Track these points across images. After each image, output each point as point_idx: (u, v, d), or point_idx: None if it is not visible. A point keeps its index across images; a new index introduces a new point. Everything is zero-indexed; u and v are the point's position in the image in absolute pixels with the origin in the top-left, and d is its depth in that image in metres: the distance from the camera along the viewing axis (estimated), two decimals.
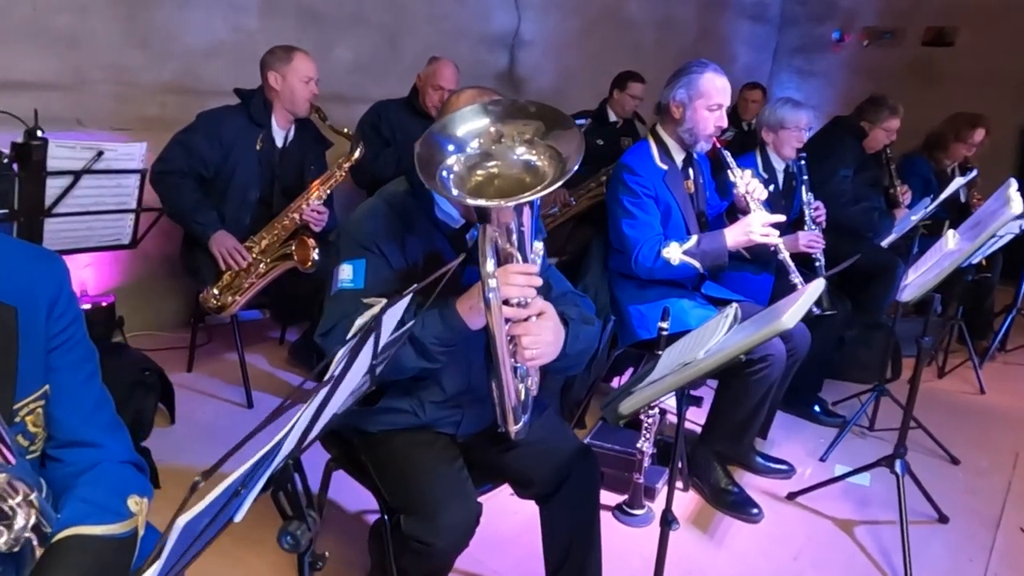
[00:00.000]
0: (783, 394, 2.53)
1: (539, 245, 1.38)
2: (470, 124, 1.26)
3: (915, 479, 2.26)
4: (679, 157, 2.37)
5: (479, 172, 1.28)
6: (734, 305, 1.35)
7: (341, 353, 0.70)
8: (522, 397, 1.43)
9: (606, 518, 2.24)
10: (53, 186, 1.46)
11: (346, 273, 1.40)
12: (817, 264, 2.80)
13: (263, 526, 2.06)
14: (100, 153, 1.50)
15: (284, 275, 2.63)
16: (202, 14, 3.48)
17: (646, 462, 2.22)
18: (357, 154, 2.67)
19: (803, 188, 2.86)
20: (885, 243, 2.64)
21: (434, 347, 1.30)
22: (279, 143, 2.73)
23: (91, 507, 0.92)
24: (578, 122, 3.22)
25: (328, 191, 2.65)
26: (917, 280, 1.84)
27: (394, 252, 1.42)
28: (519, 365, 1.31)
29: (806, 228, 2.84)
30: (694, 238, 2.26)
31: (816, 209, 2.86)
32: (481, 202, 1.21)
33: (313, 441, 0.88)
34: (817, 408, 3.00)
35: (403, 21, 4.24)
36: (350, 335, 0.72)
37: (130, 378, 2.45)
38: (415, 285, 0.85)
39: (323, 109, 2.74)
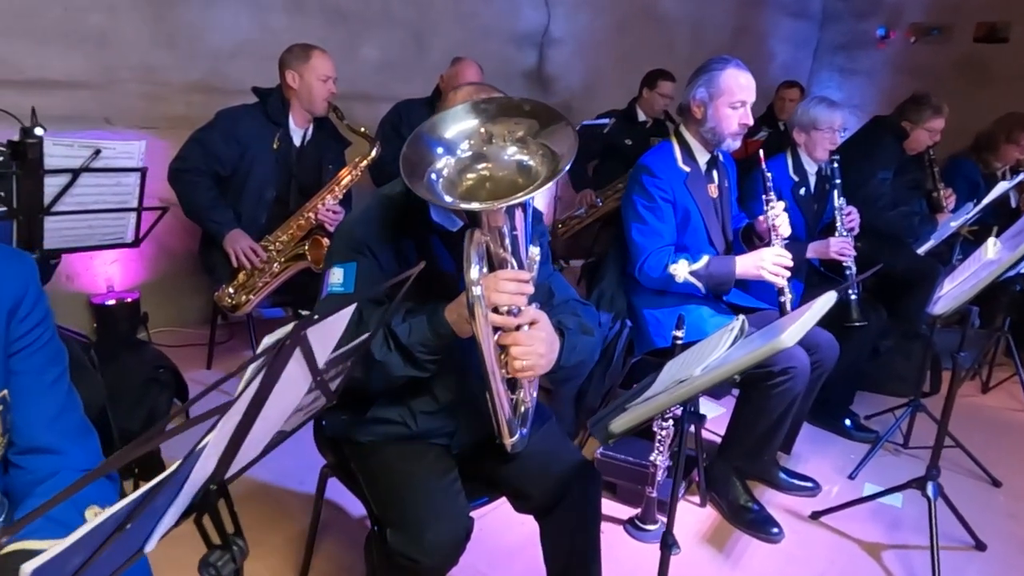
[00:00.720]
0: (809, 407, 2.41)
1: (535, 250, 1.32)
2: (460, 125, 1.21)
3: (949, 503, 2.12)
4: (703, 159, 2.28)
5: (470, 175, 1.23)
6: (740, 318, 1.26)
7: (249, 373, 0.65)
8: (521, 409, 1.37)
9: (617, 532, 2.17)
10: (52, 184, 1.45)
11: (336, 277, 1.35)
12: (848, 272, 2.67)
13: (260, 527, 2.08)
14: (98, 151, 1.49)
15: (300, 274, 2.62)
16: (229, 14, 3.50)
17: (659, 475, 2.13)
18: (374, 153, 2.64)
19: (835, 192, 2.72)
20: (922, 250, 2.49)
21: (422, 355, 1.25)
22: (297, 142, 2.72)
23: (42, 520, 0.89)
24: (601, 121, 3.15)
25: (344, 190, 2.63)
26: (952, 291, 1.72)
27: (387, 256, 1.37)
28: (510, 376, 1.25)
29: (837, 234, 2.71)
30: (705, 259, 2.16)
31: (848, 215, 2.72)
32: (464, 205, 1.15)
33: (251, 465, 0.84)
34: (848, 422, 2.86)
35: (430, 19, 4.21)
36: (259, 350, 0.67)
37: (144, 375, 2.46)
38: (354, 305, 0.79)
39: (348, 108, 2.73)
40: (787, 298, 2.19)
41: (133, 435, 2.38)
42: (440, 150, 1.22)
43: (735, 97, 2.15)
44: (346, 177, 2.63)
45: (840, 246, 2.66)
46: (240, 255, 2.54)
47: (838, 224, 2.71)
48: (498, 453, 1.43)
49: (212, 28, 3.46)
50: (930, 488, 2.00)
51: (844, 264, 2.68)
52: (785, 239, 2.23)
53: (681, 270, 2.14)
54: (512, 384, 1.28)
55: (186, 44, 3.40)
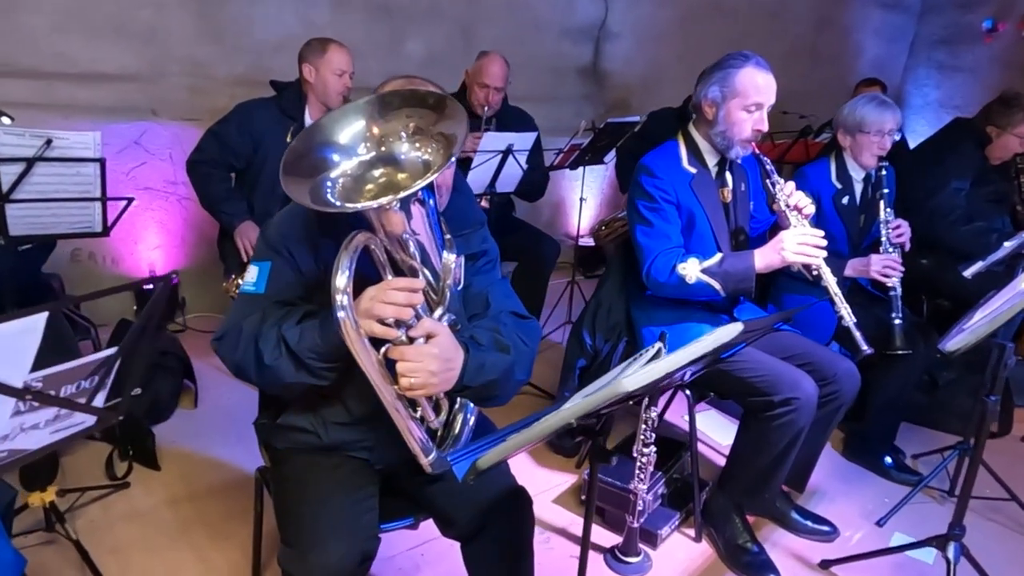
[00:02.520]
0: (825, 442, 2.16)
1: (451, 257, 1.21)
2: (349, 127, 1.12)
3: (977, 566, 1.83)
4: (712, 161, 2.08)
5: (369, 185, 1.14)
6: (657, 345, 1.09)
7: None
8: (435, 427, 1.27)
9: (597, 561, 2.03)
10: (8, 172, 1.50)
11: (251, 275, 1.31)
12: (892, 294, 2.37)
13: (233, 520, 2.08)
14: (49, 141, 1.52)
15: None
16: (274, 8, 3.57)
17: (641, 504, 1.96)
18: None
19: (882, 203, 2.42)
20: (969, 273, 2.16)
21: (312, 361, 1.17)
22: None
23: None
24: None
25: None
26: (973, 325, 1.46)
27: (304, 256, 1.31)
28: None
29: (881, 250, 2.42)
30: (718, 255, 1.96)
31: (896, 228, 2.42)
32: (350, 206, 1.06)
33: None
34: (889, 460, 2.55)
35: (478, 12, 4.14)
36: None
37: (150, 360, 2.54)
38: (43, 315, 0.72)
39: None
40: (830, 283, 1.91)
41: (136, 420, 2.46)
42: (336, 156, 1.13)
43: (750, 99, 1.94)
44: None
45: (883, 264, 2.37)
46: (249, 247, 2.56)
47: (883, 239, 2.42)
48: (424, 472, 1.33)
49: (257, 23, 3.54)
50: (951, 549, 1.74)
51: (888, 285, 2.38)
52: (810, 216, 1.95)
53: (691, 269, 1.94)
54: (412, 401, 1.19)
55: (231, 38, 3.49)
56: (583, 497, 2.22)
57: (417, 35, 4.00)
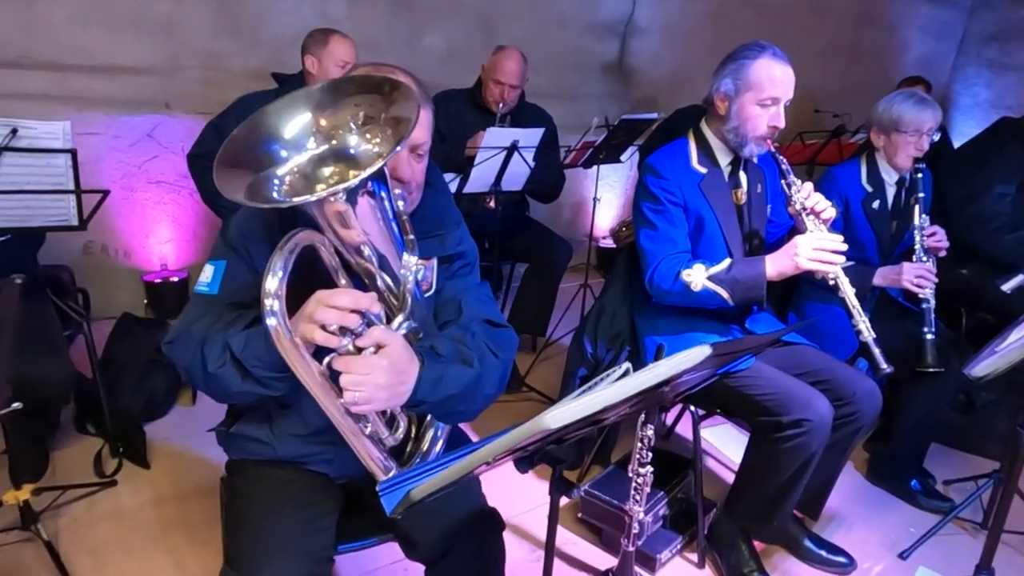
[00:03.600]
0: (842, 466, 1.98)
1: (412, 259, 1.10)
2: (294, 120, 1.02)
3: None
4: (724, 160, 1.93)
5: (319, 179, 1.05)
6: (624, 366, 0.97)
7: None
8: (390, 444, 1.17)
9: None
10: None
11: (205, 275, 1.22)
12: (925, 307, 2.19)
13: (215, 523, 2.01)
14: (15, 131, 1.48)
15: None
16: (291, 2, 3.53)
17: (637, 526, 1.83)
18: None
19: (917, 208, 2.24)
20: (1008, 287, 1.97)
21: (259, 371, 1.08)
22: None
23: None
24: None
25: None
26: (1006, 347, 1.29)
27: (263, 256, 1.20)
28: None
29: (915, 259, 2.23)
30: (726, 261, 1.82)
31: (932, 236, 2.24)
32: (293, 201, 0.96)
33: None
34: (917, 485, 2.36)
35: (500, 7, 4.03)
36: None
37: (146, 356, 2.51)
38: None
39: None
40: (848, 293, 1.73)
41: (131, 416, 2.42)
42: (284, 152, 1.04)
43: (765, 93, 1.79)
44: None
45: (916, 273, 2.20)
46: None
47: (916, 246, 2.24)
48: None
49: (274, 17, 3.50)
50: None
51: (920, 296, 2.20)
52: (827, 221, 1.78)
53: (697, 275, 1.80)
54: (358, 415, 1.09)
55: (248, 32, 3.46)
56: (579, 515, 2.10)
57: (436, 30, 3.92)
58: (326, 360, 1.02)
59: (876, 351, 1.65)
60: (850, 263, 2.33)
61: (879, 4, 5.05)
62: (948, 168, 2.83)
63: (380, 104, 1.01)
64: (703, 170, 1.91)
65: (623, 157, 3.10)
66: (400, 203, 1.20)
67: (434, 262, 1.33)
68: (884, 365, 1.63)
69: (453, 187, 2.45)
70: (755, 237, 1.98)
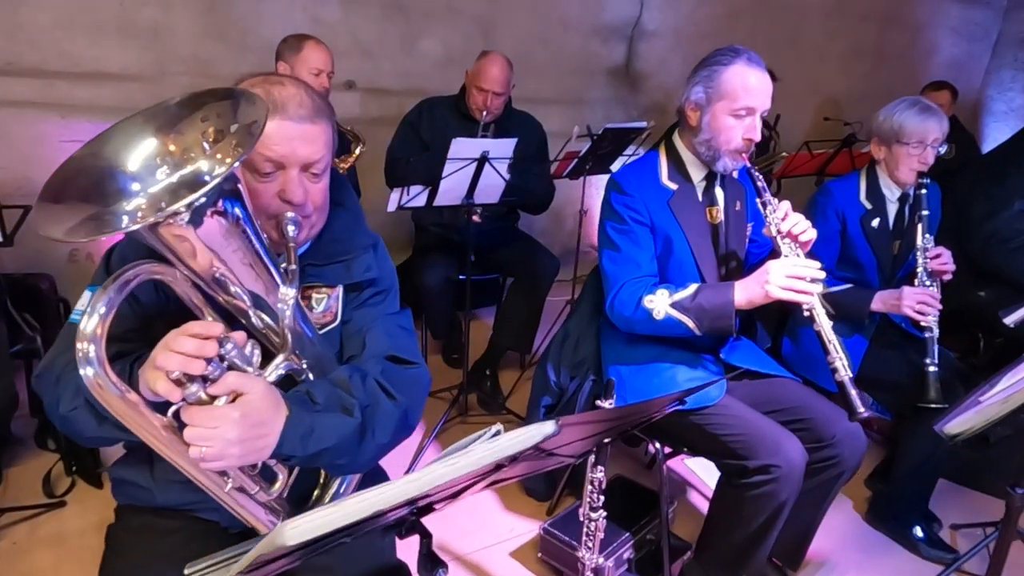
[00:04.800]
0: (823, 513, 1.80)
1: (289, 292, 0.98)
2: (137, 147, 0.91)
3: None
4: (698, 175, 1.77)
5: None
6: (495, 428, 0.82)
7: None
8: (264, 500, 1.05)
9: None
10: None
11: (81, 302, 1.11)
12: (928, 336, 1.99)
13: None
14: None
15: None
16: (281, 6, 3.45)
17: (590, 572, 1.68)
18: (358, 152, 2.42)
19: (920, 227, 2.05)
20: (1010, 320, 1.77)
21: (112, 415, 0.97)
22: None
23: None
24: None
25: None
26: (986, 401, 1.11)
27: (146, 286, 1.11)
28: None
29: (916, 282, 2.04)
30: (692, 287, 1.65)
31: (936, 257, 2.04)
32: (129, 228, 0.84)
33: None
34: (919, 531, 2.16)
35: (500, 10, 3.91)
36: None
37: None
38: None
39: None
40: (823, 327, 1.52)
41: None
42: (135, 185, 0.92)
43: (739, 103, 1.63)
44: None
45: (917, 299, 2.00)
46: None
47: (919, 269, 2.05)
48: None
49: (264, 21, 3.43)
50: None
51: (922, 325, 2.01)
52: (806, 244, 1.61)
53: (660, 303, 1.64)
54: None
55: (237, 37, 3.40)
56: (539, 555, 1.95)
57: (433, 33, 3.81)
58: (171, 410, 0.90)
59: (852, 392, 1.47)
60: (847, 286, 2.17)
61: (905, 4, 4.78)
62: (965, 182, 2.62)
63: (229, 116, 0.89)
64: (673, 186, 1.76)
65: (612, 167, 2.94)
66: (290, 228, 1.09)
67: (339, 291, 1.21)
68: (860, 409, 1.45)
69: (422, 200, 2.33)
70: (732, 259, 1.82)
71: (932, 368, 1.98)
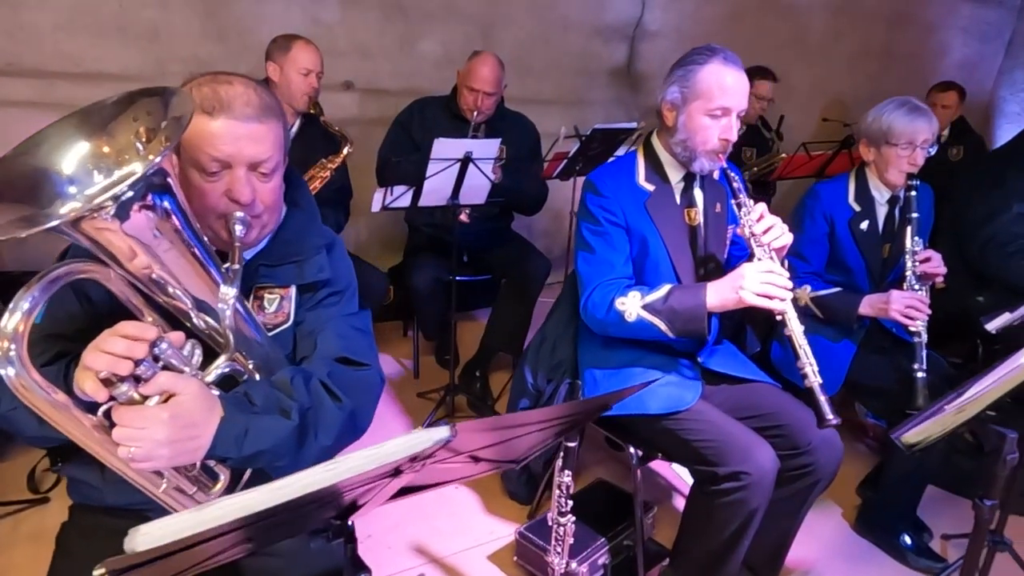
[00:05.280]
0: (800, 522, 1.76)
1: (230, 291, 0.97)
2: (69, 151, 0.90)
3: None
4: (676, 176, 1.75)
5: None
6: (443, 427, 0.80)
7: None
8: (208, 499, 1.05)
9: None
10: None
11: None
12: (916, 341, 1.95)
13: None
14: None
15: None
16: (280, 7, 3.47)
17: None
18: (346, 151, 2.43)
19: (909, 229, 2.00)
20: (992, 327, 1.71)
21: None
22: None
23: None
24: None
25: (313, 192, 2.42)
26: (943, 409, 1.07)
27: (97, 286, 1.11)
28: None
29: (905, 286, 2.00)
30: (664, 288, 1.63)
31: (925, 261, 1.99)
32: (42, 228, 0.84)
33: None
34: (908, 540, 2.11)
35: (500, 10, 3.89)
36: None
37: None
38: None
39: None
40: (795, 332, 1.49)
41: None
42: (72, 188, 0.91)
43: (714, 102, 1.61)
44: (315, 179, 2.42)
45: (905, 303, 1.96)
46: None
47: (907, 272, 2.00)
48: None
49: (262, 22, 3.44)
50: None
51: (911, 330, 1.96)
52: (781, 250, 1.58)
53: (631, 304, 1.62)
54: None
55: (235, 37, 3.41)
56: (515, 558, 1.94)
57: (432, 34, 3.80)
58: (101, 409, 0.90)
59: (822, 399, 1.44)
60: (836, 289, 2.13)
61: (915, 3, 4.69)
62: (964, 184, 2.56)
63: (160, 114, 0.88)
64: (650, 187, 1.73)
65: None
66: (238, 227, 1.08)
67: (292, 292, 1.20)
68: (829, 416, 1.42)
69: (406, 200, 2.32)
70: (711, 261, 1.79)
71: (920, 374, 1.93)
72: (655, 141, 1.76)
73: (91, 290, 1.11)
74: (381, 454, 0.65)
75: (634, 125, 2.66)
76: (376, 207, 2.30)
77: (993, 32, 4.91)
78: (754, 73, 3.48)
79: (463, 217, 2.73)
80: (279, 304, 1.19)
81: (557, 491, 1.56)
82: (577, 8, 4.05)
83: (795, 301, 2.16)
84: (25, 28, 3.04)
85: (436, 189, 2.30)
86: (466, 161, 2.25)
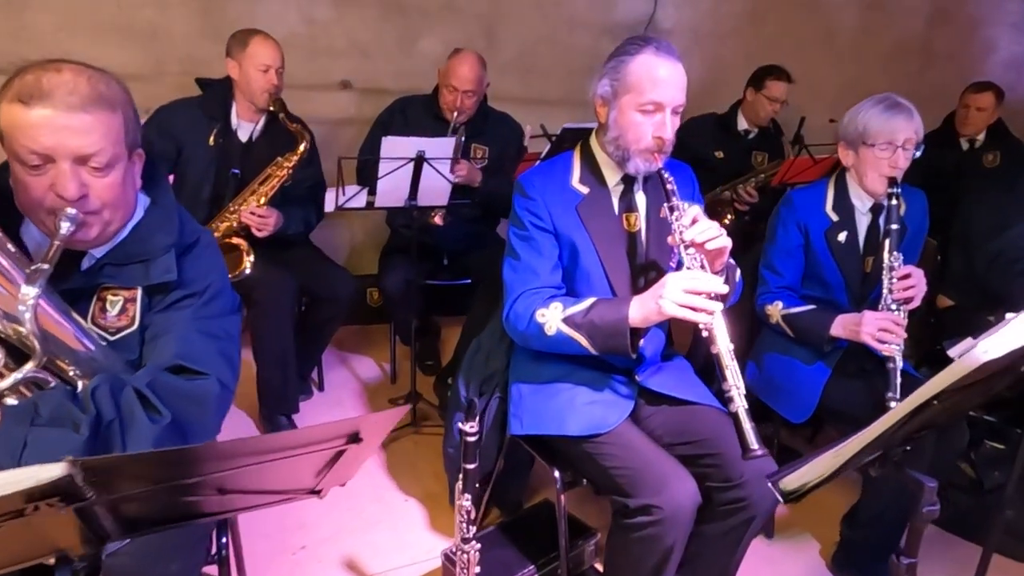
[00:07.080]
0: (739, 560, 1.58)
1: (30, 291, 0.91)
2: None
3: None
4: (613, 179, 1.61)
5: None
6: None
7: None
8: None
9: None
10: None
11: None
12: (890, 367, 1.75)
13: None
14: None
15: None
16: (277, 5, 3.47)
17: None
18: (301, 148, 2.38)
19: (887, 242, 1.81)
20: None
21: None
22: (244, 137, 2.53)
23: None
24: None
25: (271, 191, 2.39)
26: (818, 457, 0.89)
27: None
28: None
29: (881, 306, 1.80)
30: (587, 302, 1.50)
31: (904, 278, 1.79)
32: None
33: None
34: None
35: (503, 8, 3.80)
36: None
37: None
38: None
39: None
40: (722, 349, 1.33)
41: None
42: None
43: (645, 96, 1.47)
44: (272, 177, 2.38)
45: (878, 326, 1.76)
46: None
47: (884, 291, 1.81)
48: None
49: (258, 21, 3.43)
50: None
51: (884, 354, 1.77)
52: (710, 253, 1.42)
53: (552, 316, 1.50)
54: None
55: None
56: None
57: (432, 33, 3.74)
58: None
59: (747, 426, 1.28)
60: (810, 307, 1.95)
61: None
62: (976, 193, 2.32)
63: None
64: (584, 190, 1.60)
65: None
66: (63, 224, 1.02)
67: (138, 293, 1.13)
68: (754, 446, 1.26)
69: (360, 200, 2.25)
70: (652, 270, 1.64)
71: (894, 403, 1.73)
72: (592, 140, 1.64)
73: None
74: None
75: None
76: (329, 207, 2.24)
77: None
78: (765, 73, 3.27)
79: (437, 219, 2.65)
80: (122, 306, 1.13)
81: (458, 516, 1.46)
82: (585, 6, 3.92)
83: (767, 318, 2.00)
84: (28, 28, 3.12)
85: (390, 190, 2.22)
86: (419, 161, 2.16)
